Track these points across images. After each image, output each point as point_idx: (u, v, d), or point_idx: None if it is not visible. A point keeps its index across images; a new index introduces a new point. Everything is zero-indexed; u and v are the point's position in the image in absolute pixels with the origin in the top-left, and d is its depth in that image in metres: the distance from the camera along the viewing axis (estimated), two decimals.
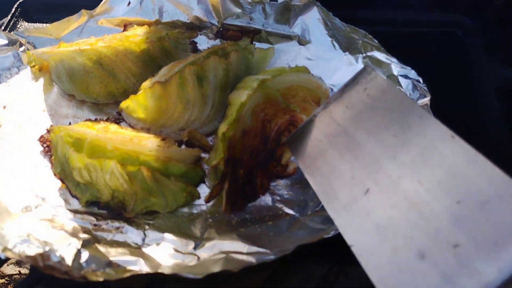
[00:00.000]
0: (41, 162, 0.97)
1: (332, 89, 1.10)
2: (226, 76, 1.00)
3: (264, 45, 1.18)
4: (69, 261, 0.70)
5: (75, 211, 0.89)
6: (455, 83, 1.14)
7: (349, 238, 0.67)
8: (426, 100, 0.97)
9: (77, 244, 0.76)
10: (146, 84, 0.99)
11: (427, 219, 0.59)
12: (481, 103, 1.10)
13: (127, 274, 0.71)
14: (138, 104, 0.98)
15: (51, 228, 0.79)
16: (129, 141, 0.89)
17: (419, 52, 1.20)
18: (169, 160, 0.88)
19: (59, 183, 0.93)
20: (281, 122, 0.97)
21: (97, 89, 1.04)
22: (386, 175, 0.66)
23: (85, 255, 0.75)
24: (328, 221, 0.85)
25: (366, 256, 0.63)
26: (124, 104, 0.99)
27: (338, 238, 0.85)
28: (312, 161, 0.79)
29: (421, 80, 1.00)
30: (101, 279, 0.68)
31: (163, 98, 0.96)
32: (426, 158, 0.63)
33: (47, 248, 0.70)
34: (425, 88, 0.98)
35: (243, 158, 0.91)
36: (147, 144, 0.90)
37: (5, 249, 0.69)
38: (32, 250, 0.69)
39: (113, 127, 0.96)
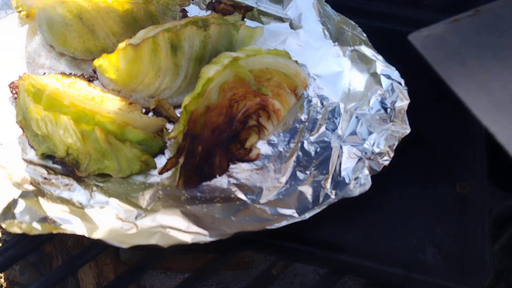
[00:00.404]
0: (8, 108, 0.97)
1: (314, 79, 1.06)
2: (203, 48, 0.97)
3: (255, 24, 1.14)
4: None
5: (29, 161, 0.89)
6: (442, 93, 1.08)
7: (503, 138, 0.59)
8: (404, 104, 0.93)
9: (16, 194, 0.76)
10: (121, 45, 0.96)
11: None
12: (464, 121, 1.04)
13: (54, 232, 0.70)
14: (110, 64, 0.96)
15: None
16: (90, 100, 0.87)
17: (412, 55, 1.15)
18: (126, 125, 0.87)
19: (20, 131, 0.93)
20: (250, 105, 0.94)
21: (75, 44, 1.02)
22: None
23: (21, 206, 0.75)
24: (277, 213, 0.84)
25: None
26: (97, 62, 0.97)
27: (286, 233, 0.84)
28: (453, 63, 0.68)
29: (402, 83, 0.95)
30: (18, 231, 0.68)
31: (135, 61, 0.94)
32: None
33: None
34: (406, 91, 0.94)
35: (203, 135, 0.89)
36: (108, 105, 0.88)
37: None
38: None
39: (82, 83, 0.95)
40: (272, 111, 0.97)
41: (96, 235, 0.72)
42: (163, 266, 1.34)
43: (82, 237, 0.71)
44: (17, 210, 0.74)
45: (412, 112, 0.94)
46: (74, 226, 0.75)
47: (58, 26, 1.01)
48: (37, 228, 0.70)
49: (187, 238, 0.76)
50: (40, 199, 0.80)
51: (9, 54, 1.05)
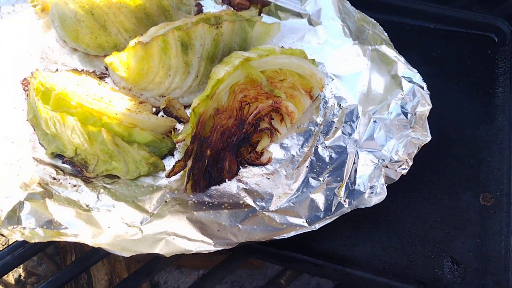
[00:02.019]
0: (21, 105, 0.96)
1: (332, 79, 1.01)
2: (215, 47, 0.94)
3: (272, 20, 1.09)
4: (6, 209, 0.70)
5: (39, 160, 0.88)
6: (467, 97, 1.02)
7: None
8: (425, 110, 0.87)
9: (22, 196, 0.76)
10: (131, 43, 0.94)
11: None
12: (491, 127, 0.97)
13: (56, 239, 0.70)
14: (120, 62, 0.94)
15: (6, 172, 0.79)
16: (98, 100, 0.86)
17: (438, 53, 1.08)
18: (134, 127, 0.85)
19: (31, 129, 0.93)
20: (262, 107, 0.90)
21: (87, 39, 1.01)
22: None
23: (27, 208, 0.75)
24: (287, 222, 0.81)
25: None
26: (108, 60, 0.95)
27: (295, 242, 0.81)
28: None
29: (424, 87, 0.89)
30: (19, 238, 0.67)
31: (144, 59, 0.92)
32: None
33: None
34: (428, 95, 0.88)
35: (212, 138, 0.86)
36: (116, 105, 0.86)
37: None
38: None
39: (92, 81, 0.93)
40: (286, 113, 0.93)
41: (98, 241, 0.70)
42: (177, 262, 1.34)
43: (84, 245, 0.69)
44: (23, 213, 0.74)
45: (434, 116, 0.88)
46: (78, 230, 0.74)
47: (70, 22, 1.00)
48: (40, 234, 0.70)
49: (191, 247, 0.74)
50: (47, 201, 0.79)
51: (24, 49, 1.05)
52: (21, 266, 1.34)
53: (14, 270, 1.33)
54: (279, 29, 1.05)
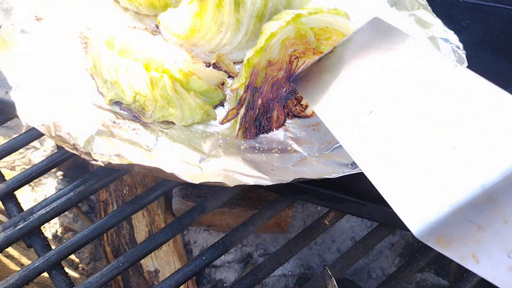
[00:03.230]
0: (78, 58, 1.01)
1: None
2: (264, 6, 1.00)
3: None
4: (81, 140, 0.76)
5: (99, 106, 0.94)
6: (495, 62, 1.09)
7: (352, 152, 0.71)
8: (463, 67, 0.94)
9: (93, 130, 0.82)
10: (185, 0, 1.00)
11: (428, 131, 0.62)
12: None
13: (130, 162, 0.75)
14: (174, 18, 1.00)
15: (73, 109, 0.84)
16: (158, 49, 0.92)
17: (467, 23, 1.14)
18: (192, 75, 0.91)
19: (90, 79, 0.98)
20: (309, 62, 0.97)
21: None
22: (389, 102, 0.69)
23: (98, 141, 0.80)
24: (333, 165, 0.87)
25: (368, 167, 0.67)
26: (162, 16, 1.01)
27: (340, 185, 0.87)
28: (317, 95, 0.82)
29: (461, 47, 0.96)
30: (103, 159, 0.73)
31: (199, 15, 0.97)
32: (428, 84, 0.65)
33: (61, 121, 0.76)
34: (464, 54, 0.95)
35: (263, 88, 0.93)
36: (175, 55, 0.92)
37: (28, 117, 0.75)
38: (49, 119, 0.75)
39: (148, 34, 0.99)
40: None
41: (167, 169, 0.76)
42: (207, 223, 1.40)
43: (158, 171, 0.75)
44: (95, 145, 0.79)
45: None
46: (147, 162, 0.80)
47: None
48: (116, 160, 0.75)
49: (250, 181, 0.80)
50: (112, 139, 0.85)
51: (76, 7, 1.10)
52: (57, 222, 1.39)
53: (51, 225, 1.39)
54: None
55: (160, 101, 0.91)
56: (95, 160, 0.74)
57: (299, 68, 0.96)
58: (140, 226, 1.18)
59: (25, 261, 1.15)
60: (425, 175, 0.59)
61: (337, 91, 0.78)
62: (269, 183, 0.80)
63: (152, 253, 1.18)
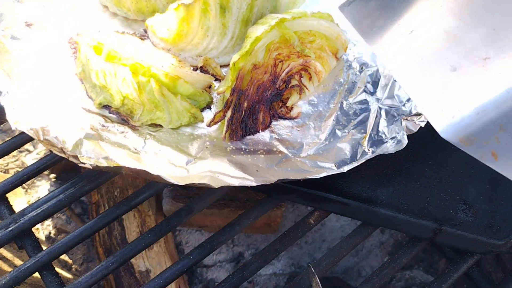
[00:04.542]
0: (66, 62, 1.03)
1: (354, 45, 1.10)
2: (250, 11, 1.02)
3: None
4: (69, 144, 0.78)
5: (88, 110, 0.96)
6: None
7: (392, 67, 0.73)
8: None
9: (81, 134, 0.84)
10: (172, 5, 1.02)
11: (463, 43, 0.64)
12: None
13: (118, 165, 0.78)
14: (161, 23, 1.02)
15: (62, 113, 0.87)
16: (146, 54, 0.94)
17: None
18: (178, 79, 0.93)
19: (79, 83, 1.00)
20: (293, 65, 0.99)
21: (128, 4, 1.08)
22: (430, 19, 0.71)
23: (86, 145, 0.82)
24: (317, 165, 0.89)
25: (403, 75, 0.70)
26: (150, 22, 1.04)
27: (325, 184, 0.90)
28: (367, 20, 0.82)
29: None
30: (91, 162, 0.75)
31: (185, 21, 1.00)
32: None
33: (49, 125, 0.78)
34: None
35: (249, 91, 0.95)
36: (162, 60, 0.94)
37: (17, 122, 0.77)
38: (37, 124, 0.77)
39: (136, 40, 1.01)
40: (314, 72, 1.01)
41: (153, 171, 0.78)
42: (199, 224, 1.42)
43: (145, 173, 0.77)
44: (83, 149, 0.82)
45: None
46: (133, 166, 0.82)
47: None
48: (103, 163, 0.77)
49: (235, 182, 0.83)
50: (100, 142, 0.87)
51: (65, 13, 1.12)
52: (50, 223, 1.41)
53: (44, 227, 1.41)
54: None
55: (148, 104, 0.93)
56: (82, 163, 0.76)
57: (283, 71, 0.98)
58: (131, 227, 1.20)
59: (18, 262, 1.17)
60: (454, 82, 0.63)
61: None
62: (254, 183, 0.83)
63: (143, 254, 1.20)
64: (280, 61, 0.97)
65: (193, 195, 1.20)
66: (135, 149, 0.90)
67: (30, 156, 1.54)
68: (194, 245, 1.47)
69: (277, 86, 0.98)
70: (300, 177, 0.85)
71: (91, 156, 0.79)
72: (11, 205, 0.95)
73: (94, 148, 0.83)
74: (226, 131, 0.93)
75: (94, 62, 0.93)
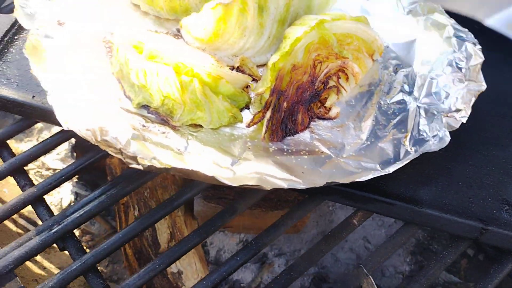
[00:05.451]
0: (103, 62, 1.02)
1: (387, 46, 1.10)
2: (286, 11, 1.02)
3: None
4: (123, 142, 0.77)
5: (127, 110, 0.95)
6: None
7: None
8: (478, 62, 0.96)
9: (129, 134, 0.83)
10: (210, 4, 1.01)
11: None
12: None
13: (170, 166, 0.77)
14: (197, 22, 1.01)
15: (106, 113, 0.85)
16: (186, 53, 0.93)
17: (480, 25, 1.17)
18: (220, 79, 0.92)
19: (116, 83, 0.99)
20: (331, 66, 0.99)
21: (160, 3, 1.08)
22: None
23: (133, 146, 0.81)
24: (361, 166, 0.89)
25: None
26: (185, 21, 1.03)
27: (368, 185, 0.89)
28: None
29: (476, 43, 0.99)
30: (144, 163, 0.74)
31: (222, 20, 0.99)
32: None
33: (106, 125, 0.77)
34: (480, 50, 0.98)
35: (288, 92, 0.95)
36: (202, 59, 0.94)
37: (67, 121, 0.75)
38: (93, 124, 0.76)
39: (172, 39, 1.00)
40: (351, 73, 1.01)
41: (207, 172, 0.77)
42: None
43: (195, 174, 0.77)
44: (131, 150, 0.80)
45: (486, 73, 0.97)
46: (184, 166, 0.81)
47: None
48: (157, 164, 0.76)
49: (284, 184, 0.82)
50: (144, 143, 0.86)
51: (97, 12, 1.10)
52: None
53: None
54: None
55: (189, 104, 0.92)
56: (139, 164, 0.75)
57: (322, 72, 0.98)
58: (162, 228, 1.19)
59: (47, 264, 1.15)
60: None
61: None
62: (303, 186, 0.82)
63: None
64: (319, 62, 0.97)
65: (225, 196, 1.20)
66: (178, 149, 0.89)
67: (51, 156, 1.52)
68: (219, 245, 1.47)
69: (315, 87, 0.98)
70: (348, 181, 0.84)
71: (143, 157, 0.78)
72: (49, 207, 0.94)
73: (142, 149, 0.82)
74: (266, 131, 0.93)
75: (134, 61, 0.92)
